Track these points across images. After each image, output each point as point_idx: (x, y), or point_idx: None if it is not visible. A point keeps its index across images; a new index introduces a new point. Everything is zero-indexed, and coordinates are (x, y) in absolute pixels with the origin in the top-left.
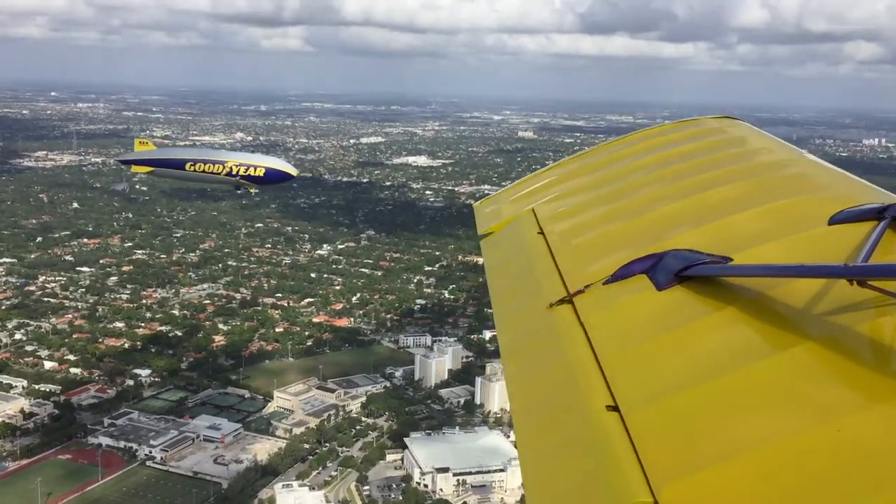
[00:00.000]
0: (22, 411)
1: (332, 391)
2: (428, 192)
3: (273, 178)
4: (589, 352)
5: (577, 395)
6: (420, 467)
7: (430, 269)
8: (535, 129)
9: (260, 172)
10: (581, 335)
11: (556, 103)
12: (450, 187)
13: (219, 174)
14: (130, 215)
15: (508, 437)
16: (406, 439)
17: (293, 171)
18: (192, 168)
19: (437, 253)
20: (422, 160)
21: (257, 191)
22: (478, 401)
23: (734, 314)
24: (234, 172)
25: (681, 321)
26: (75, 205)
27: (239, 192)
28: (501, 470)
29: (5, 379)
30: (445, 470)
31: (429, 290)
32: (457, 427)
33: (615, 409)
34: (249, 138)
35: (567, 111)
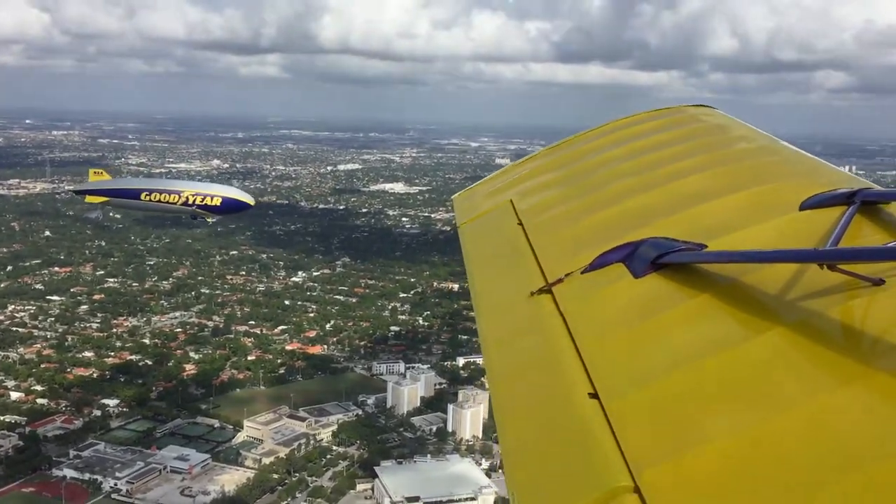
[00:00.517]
0: None
1: (303, 420)
2: (404, 219)
3: (229, 207)
4: (569, 340)
5: (558, 383)
6: (390, 496)
7: (404, 295)
8: (512, 156)
9: (216, 202)
10: (561, 324)
11: (534, 130)
12: (426, 214)
13: (174, 204)
14: (103, 243)
15: (480, 464)
16: (376, 468)
17: (250, 201)
18: (148, 198)
19: (412, 279)
20: (399, 187)
21: (214, 220)
22: (450, 428)
23: (709, 301)
24: (189, 202)
25: (657, 308)
26: (47, 233)
27: (195, 220)
28: (472, 498)
29: None
30: (416, 499)
31: (403, 317)
32: (428, 455)
33: (595, 396)
34: (226, 165)
35: (544, 137)
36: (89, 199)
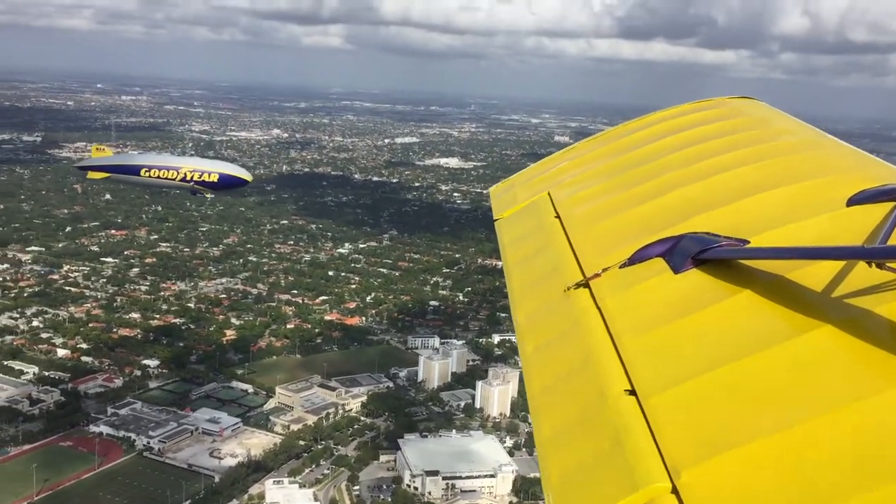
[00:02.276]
0: (29, 397)
1: (334, 389)
2: (456, 195)
3: (227, 183)
4: (606, 335)
5: (594, 379)
6: (410, 469)
7: (447, 270)
8: (572, 134)
9: (213, 178)
10: (598, 319)
11: (596, 107)
12: (478, 190)
13: (173, 180)
14: (159, 208)
15: (504, 442)
16: (400, 440)
17: (247, 177)
18: (147, 174)
19: (456, 255)
20: (454, 162)
21: (213, 196)
22: (478, 404)
23: (751, 297)
24: (187, 178)
25: (698, 305)
26: (108, 196)
27: (195, 196)
28: (492, 475)
29: (17, 365)
30: (435, 473)
31: (444, 292)
32: (453, 430)
33: (632, 393)
34: (286, 135)
35: (606, 115)
36: (91, 174)
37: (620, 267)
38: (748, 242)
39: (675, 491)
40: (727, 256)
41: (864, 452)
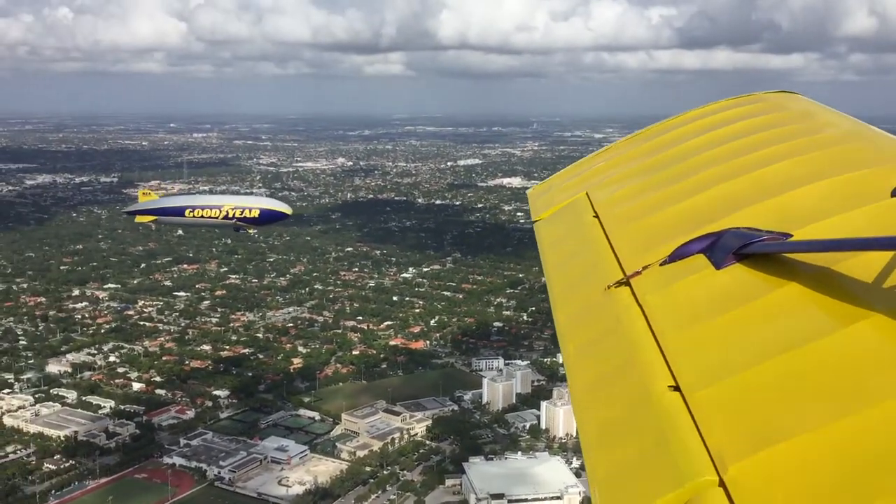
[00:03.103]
0: (106, 430)
1: (399, 414)
2: (519, 214)
3: (268, 217)
4: (648, 332)
5: (637, 375)
6: (476, 493)
7: (511, 291)
8: None
9: (255, 214)
10: (640, 316)
11: (660, 119)
12: None
13: (216, 218)
14: (229, 241)
15: (570, 462)
16: (465, 464)
17: (287, 210)
18: (192, 214)
19: (520, 275)
20: (516, 181)
21: (255, 232)
22: (543, 425)
23: (796, 291)
24: (230, 216)
25: (741, 300)
26: (179, 232)
27: (239, 232)
28: (558, 497)
29: (95, 399)
30: (500, 496)
31: (507, 313)
32: (519, 452)
33: (676, 388)
34: (350, 163)
35: None
36: (139, 218)
37: (661, 264)
38: (791, 236)
39: (722, 485)
40: (770, 251)
41: None
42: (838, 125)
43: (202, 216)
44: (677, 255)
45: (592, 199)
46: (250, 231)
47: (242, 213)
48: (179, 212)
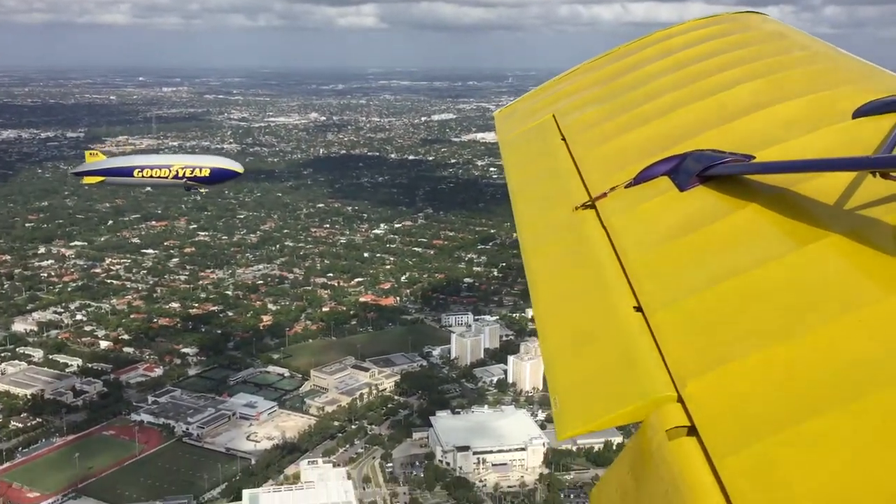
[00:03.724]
0: (73, 389)
1: (368, 370)
2: (492, 169)
3: (219, 176)
4: (612, 254)
5: (601, 296)
6: (442, 445)
7: (482, 247)
8: None
9: (205, 173)
10: (604, 238)
11: None
12: None
13: (166, 178)
14: (198, 198)
15: (536, 416)
16: (432, 418)
17: (238, 169)
18: (140, 174)
19: (491, 231)
20: (491, 136)
21: (207, 190)
22: (510, 379)
23: (757, 212)
24: (180, 175)
25: (704, 221)
26: (148, 188)
27: (190, 192)
28: (522, 449)
29: (62, 358)
30: (466, 448)
31: (478, 269)
32: (485, 406)
33: (639, 309)
34: (323, 118)
35: None
36: (86, 180)
37: (626, 186)
38: (753, 158)
39: (680, 401)
40: (732, 172)
41: (867, 357)
42: (804, 46)
43: (151, 176)
44: (642, 177)
45: (559, 122)
46: (202, 190)
47: (192, 172)
48: (128, 172)
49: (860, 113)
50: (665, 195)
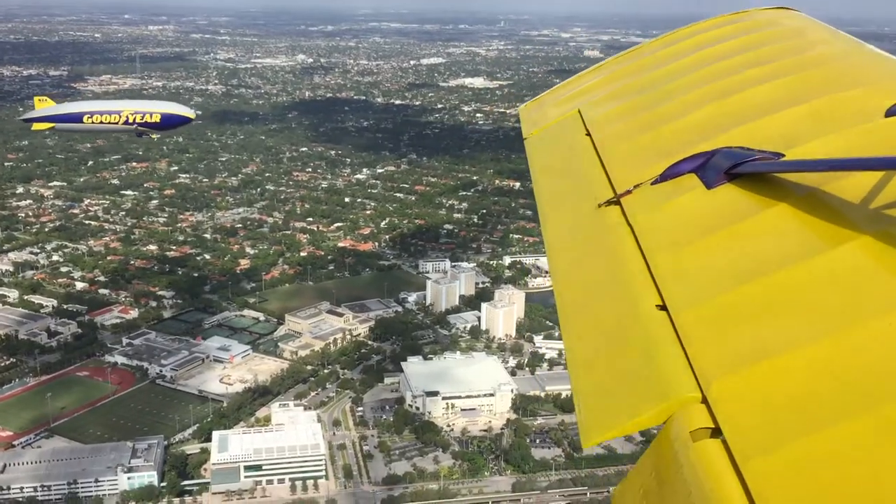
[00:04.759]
0: (48, 330)
1: (342, 315)
2: (478, 115)
3: (170, 122)
4: (637, 252)
5: (625, 294)
6: (412, 390)
7: (464, 193)
8: (603, 48)
9: (156, 118)
10: (629, 235)
11: (629, 19)
12: (501, 109)
13: (116, 124)
14: (181, 139)
15: (507, 362)
16: (403, 363)
17: (190, 115)
18: (90, 120)
19: (474, 177)
20: (478, 82)
21: (158, 136)
22: (483, 326)
23: (786, 211)
24: (130, 121)
25: (731, 220)
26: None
27: (141, 137)
28: (491, 395)
29: (37, 298)
30: (435, 393)
31: (458, 216)
32: (458, 352)
33: (664, 308)
34: (310, 60)
35: (640, 27)
36: (36, 126)
37: (652, 184)
38: (783, 156)
39: (704, 401)
40: (761, 170)
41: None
42: (833, 43)
43: (101, 122)
44: (668, 174)
45: (585, 117)
46: (153, 136)
47: (143, 117)
48: (77, 118)
49: (894, 111)
50: (692, 192)
